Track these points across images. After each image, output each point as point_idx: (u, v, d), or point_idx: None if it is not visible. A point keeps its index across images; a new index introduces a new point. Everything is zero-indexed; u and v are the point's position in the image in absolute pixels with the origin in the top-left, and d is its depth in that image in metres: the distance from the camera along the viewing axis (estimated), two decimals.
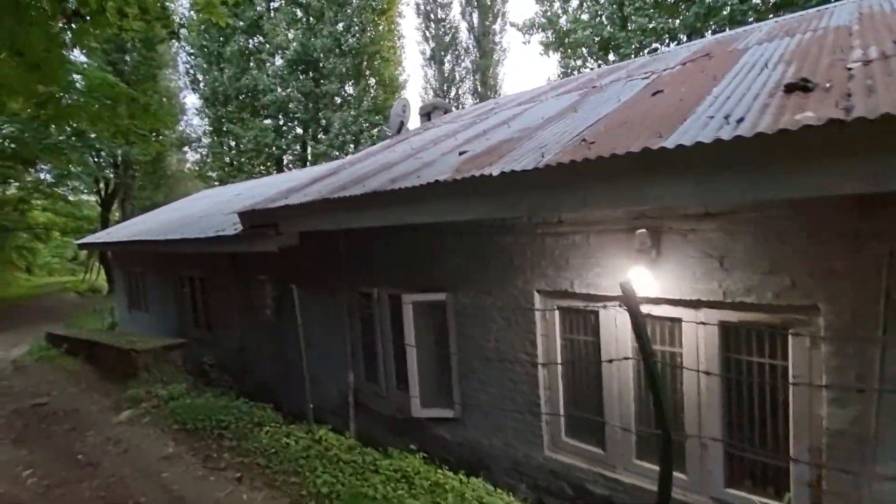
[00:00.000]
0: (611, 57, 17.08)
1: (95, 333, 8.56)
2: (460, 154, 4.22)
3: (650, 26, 14.58)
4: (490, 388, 4.47)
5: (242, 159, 29.49)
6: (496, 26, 25.94)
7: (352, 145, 24.77)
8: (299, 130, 28.87)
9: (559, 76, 18.82)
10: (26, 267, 37.90)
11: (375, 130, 23.89)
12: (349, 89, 26.75)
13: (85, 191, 34.54)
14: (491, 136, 4.76)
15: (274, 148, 29.20)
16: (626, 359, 3.42)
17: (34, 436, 4.36)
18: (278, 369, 7.31)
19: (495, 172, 3.09)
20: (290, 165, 28.75)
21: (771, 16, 11.47)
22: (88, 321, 17.44)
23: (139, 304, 13.54)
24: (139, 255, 12.58)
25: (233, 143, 30.64)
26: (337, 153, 23.79)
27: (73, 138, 14.94)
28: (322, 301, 6.50)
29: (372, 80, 26.52)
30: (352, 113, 24.08)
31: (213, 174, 34.23)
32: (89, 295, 30.12)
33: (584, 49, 17.68)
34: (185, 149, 34.95)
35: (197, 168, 37.10)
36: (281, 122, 28.29)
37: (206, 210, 11.09)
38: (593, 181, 2.75)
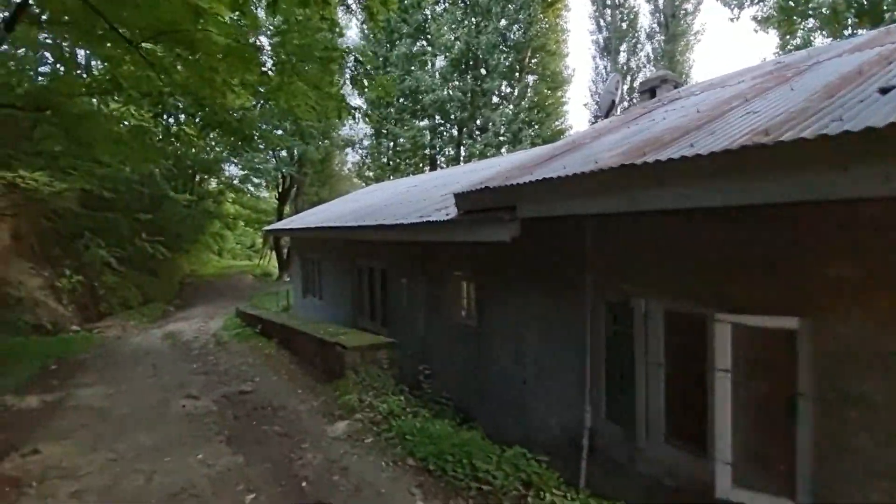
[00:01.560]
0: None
1: (287, 318, 8.46)
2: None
3: None
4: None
5: (398, 159, 30.56)
6: (689, 5, 22.73)
7: (506, 146, 23.79)
8: (454, 132, 28.98)
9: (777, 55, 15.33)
10: (218, 251, 44.24)
11: (535, 128, 22.60)
12: (508, 88, 25.88)
13: (266, 187, 39.30)
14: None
15: (429, 148, 29.74)
16: None
17: (246, 435, 3.85)
18: (472, 383, 6.20)
19: None
20: (443, 165, 28.88)
21: None
22: (266, 301, 19.08)
23: (313, 291, 14.04)
24: (318, 242, 12.96)
25: (391, 144, 32.04)
26: (492, 152, 22.98)
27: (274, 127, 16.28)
28: (545, 309, 5.18)
29: (533, 77, 25.30)
30: (511, 110, 23.06)
31: (371, 173, 36.35)
32: (263, 278, 33.99)
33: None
34: (347, 150, 37.66)
35: (356, 168, 40.00)
36: (438, 122, 28.60)
37: (386, 200, 10.78)
38: None
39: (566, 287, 4.87)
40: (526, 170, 4.66)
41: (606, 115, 8.14)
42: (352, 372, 4.82)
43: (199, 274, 29.87)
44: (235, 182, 33.98)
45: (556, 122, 25.07)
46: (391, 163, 31.85)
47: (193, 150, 17.29)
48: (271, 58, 7.01)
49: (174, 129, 6.99)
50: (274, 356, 6.84)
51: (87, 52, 7.56)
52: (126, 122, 7.41)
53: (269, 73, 6.89)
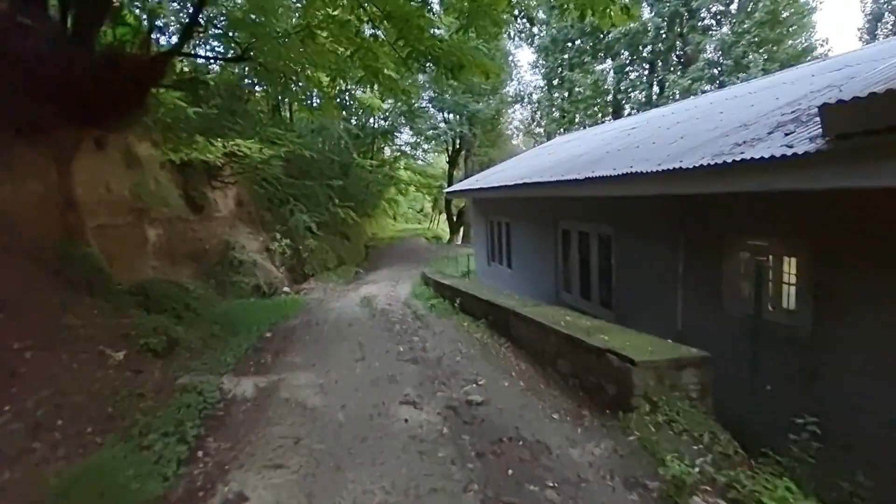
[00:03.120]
0: None
1: (497, 295, 7.09)
2: None
3: None
4: None
5: (575, 110, 27.31)
6: None
7: (723, 77, 18.79)
8: (644, 71, 24.51)
9: None
10: (393, 215, 46.96)
11: (770, 49, 17.24)
12: (722, 6, 20.35)
13: (434, 152, 39.85)
14: None
15: (613, 94, 25.81)
16: None
17: (506, 495, 2.43)
18: (782, 403, 3.86)
19: None
20: (633, 111, 24.75)
21: None
22: (445, 266, 18.80)
23: (500, 258, 12.77)
24: (506, 203, 11.50)
25: (565, 95, 28.86)
26: (707, 88, 18.38)
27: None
28: None
29: None
30: (731, 30, 17.97)
31: (541, 129, 33.75)
32: (434, 241, 34.78)
33: None
34: (515, 107, 35.44)
35: (523, 126, 37.74)
36: (626, 61, 24.42)
37: (599, 149, 8.57)
38: None
39: None
40: None
41: None
42: (643, 402, 3.05)
43: (380, 237, 31.60)
44: (406, 149, 35.02)
45: (798, 41, 18.94)
46: (565, 116, 28.72)
47: (383, 106, 17.04)
48: None
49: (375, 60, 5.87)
50: (490, 345, 5.48)
51: None
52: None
53: None
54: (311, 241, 14.89)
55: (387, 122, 26.49)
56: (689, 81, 18.95)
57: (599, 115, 27.95)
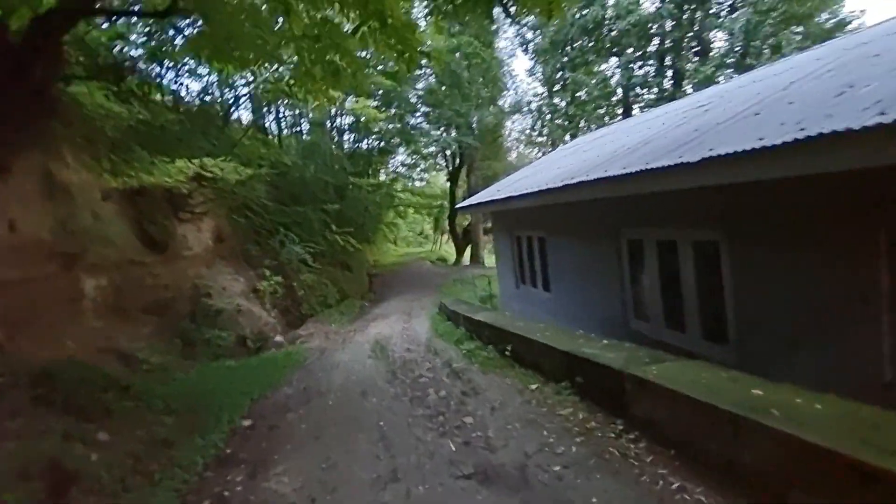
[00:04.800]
0: None
1: (572, 339, 4.97)
2: None
3: None
4: None
5: (581, 112, 25.61)
6: None
7: (750, 58, 17.10)
8: (651, 67, 22.92)
9: None
10: (393, 240, 45.08)
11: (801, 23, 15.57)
12: None
13: (432, 171, 38.22)
14: None
15: (621, 91, 24.16)
16: None
17: None
18: None
19: None
20: (642, 108, 23.02)
21: None
22: (460, 291, 16.71)
23: (532, 279, 10.68)
24: (538, 213, 9.47)
25: (566, 102, 27.19)
26: (731, 73, 16.67)
27: None
28: None
29: None
30: (756, 8, 16.31)
31: (542, 138, 32.06)
32: (440, 264, 32.70)
33: None
34: (513, 118, 33.77)
35: (522, 136, 36.05)
36: (635, 56, 22.78)
37: (655, 135, 6.60)
38: None
39: None
40: None
41: None
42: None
43: (382, 264, 29.53)
44: (402, 170, 33.29)
45: (828, 15, 17.31)
46: (571, 120, 27.01)
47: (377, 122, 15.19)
48: None
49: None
50: (601, 437, 3.35)
51: None
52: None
53: None
54: (306, 275, 12.83)
55: (381, 143, 24.74)
56: (713, 69, 17.22)
57: (606, 116, 26.24)
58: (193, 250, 8.99)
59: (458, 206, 17.46)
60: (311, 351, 8.31)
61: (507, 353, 5.67)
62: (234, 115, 16.20)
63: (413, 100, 23.90)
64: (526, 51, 30.82)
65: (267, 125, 18.10)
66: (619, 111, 25.61)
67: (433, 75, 24.01)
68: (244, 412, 4.89)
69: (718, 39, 18.99)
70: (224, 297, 8.98)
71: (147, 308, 7.01)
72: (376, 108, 12.97)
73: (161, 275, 7.68)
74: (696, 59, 19.30)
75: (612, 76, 25.21)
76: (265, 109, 18.22)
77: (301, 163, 14.64)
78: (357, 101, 12.81)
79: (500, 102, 32.28)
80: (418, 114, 24.93)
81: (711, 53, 17.85)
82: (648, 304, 6.42)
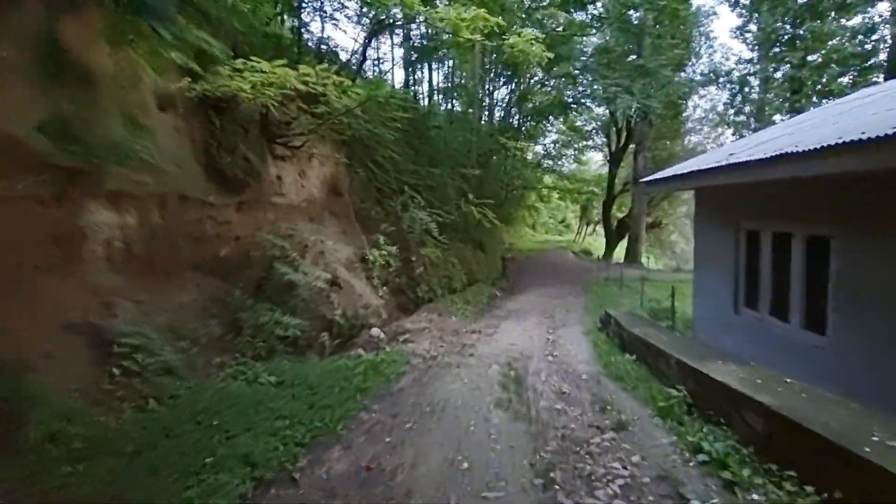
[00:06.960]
0: None
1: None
2: None
3: None
4: None
5: (815, 79, 18.75)
6: None
7: None
8: None
9: None
10: (532, 224, 41.53)
11: None
12: None
13: (583, 153, 33.54)
14: None
15: (890, 48, 16.88)
16: None
17: None
18: None
19: None
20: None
21: None
22: (616, 295, 12.84)
23: (778, 305, 6.40)
24: (810, 191, 5.26)
25: (790, 64, 20.25)
26: None
27: None
28: None
29: None
30: None
31: (742, 116, 25.07)
32: (583, 256, 28.27)
33: None
34: (705, 91, 26.98)
35: (713, 114, 28.94)
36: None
37: None
38: None
39: None
40: None
41: None
42: None
43: (517, 248, 26.35)
44: (552, 149, 29.53)
45: None
46: (793, 92, 20.12)
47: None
48: None
49: None
50: None
51: None
52: None
53: None
54: (430, 249, 10.31)
55: (539, 103, 21.19)
56: None
57: (850, 82, 18.78)
58: (288, 198, 6.90)
59: (643, 180, 13.32)
60: (413, 361, 5.60)
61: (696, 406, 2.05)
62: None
63: (581, 60, 19.84)
64: (736, 3, 24.11)
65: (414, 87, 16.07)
66: (877, 77, 18.15)
67: (610, 24, 19.62)
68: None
69: None
70: (319, 263, 6.76)
71: (198, 266, 4.97)
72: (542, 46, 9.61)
73: (233, 224, 5.62)
74: None
75: (872, 28, 17.89)
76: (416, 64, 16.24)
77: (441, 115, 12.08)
78: (520, 35, 9.65)
79: (690, 71, 26.08)
80: (587, 78, 20.64)
81: None
82: None
